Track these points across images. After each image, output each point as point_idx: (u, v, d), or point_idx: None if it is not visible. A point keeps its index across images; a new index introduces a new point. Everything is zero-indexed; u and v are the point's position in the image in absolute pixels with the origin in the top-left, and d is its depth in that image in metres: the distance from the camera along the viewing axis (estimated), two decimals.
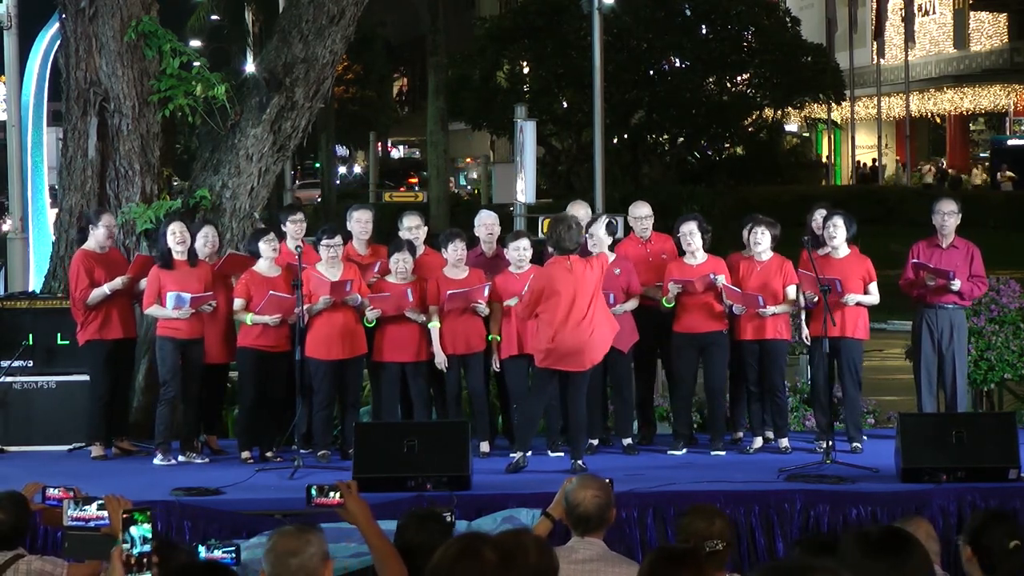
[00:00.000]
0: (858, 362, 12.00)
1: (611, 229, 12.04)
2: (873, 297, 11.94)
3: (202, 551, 6.67)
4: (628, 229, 12.98)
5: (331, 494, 6.54)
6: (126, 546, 5.48)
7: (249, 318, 11.62)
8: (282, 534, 5.03)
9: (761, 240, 11.96)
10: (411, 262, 11.88)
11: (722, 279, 11.76)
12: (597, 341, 11.11)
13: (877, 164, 57.24)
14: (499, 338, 11.79)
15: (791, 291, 11.86)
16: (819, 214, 12.42)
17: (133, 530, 5.46)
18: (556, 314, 10.97)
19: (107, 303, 11.95)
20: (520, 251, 11.79)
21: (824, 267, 11.70)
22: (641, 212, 12.53)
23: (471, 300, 11.70)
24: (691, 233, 11.89)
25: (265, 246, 11.81)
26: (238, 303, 11.72)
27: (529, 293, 11.18)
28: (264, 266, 11.83)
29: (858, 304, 11.85)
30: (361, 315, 11.75)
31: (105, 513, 6.15)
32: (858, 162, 57.96)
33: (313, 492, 6.90)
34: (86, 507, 6.20)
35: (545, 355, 11.11)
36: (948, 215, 12.21)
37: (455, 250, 11.90)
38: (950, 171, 54.57)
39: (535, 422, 11.42)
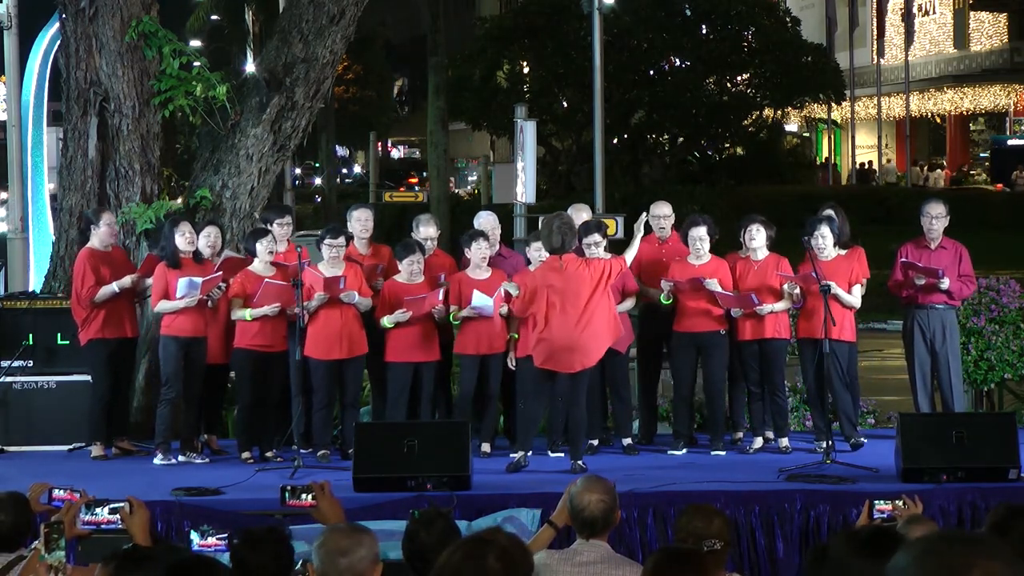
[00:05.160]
0: (845, 363, 11.92)
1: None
2: (853, 298, 11.88)
3: (195, 537, 6.65)
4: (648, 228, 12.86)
5: (303, 496, 6.53)
6: (59, 554, 5.49)
7: (248, 313, 11.61)
8: (334, 531, 4.99)
9: (756, 237, 11.96)
10: (423, 264, 11.89)
11: (714, 283, 11.76)
12: (590, 343, 11.06)
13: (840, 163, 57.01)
14: (516, 336, 11.74)
15: (787, 288, 11.86)
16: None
17: (62, 542, 5.48)
18: (543, 312, 11.03)
19: (109, 302, 11.96)
20: (541, 252, 11.66)
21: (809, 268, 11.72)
22: (661, 211, 12.48)
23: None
24: (701, 239, 11.91)
25: (261, 246, 11.82)
26: (235, 302, 11.73)
27: (522, 292, 11.21)
28: (259, 266, 11.83)
29: (835, 297, 11.69)
30: (366, 314, 11.75)
31: (117, 517, 6.14)
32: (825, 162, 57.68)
33: (287, 495, 6.88)
34: (98, 510, 6.20)
35: (537, 354, 11.13)
36: (936, 219, 12.17)
37: (478, 249, 11.88)
38: (950, 173, 54.54)
39: (536, 422, 11.42)
